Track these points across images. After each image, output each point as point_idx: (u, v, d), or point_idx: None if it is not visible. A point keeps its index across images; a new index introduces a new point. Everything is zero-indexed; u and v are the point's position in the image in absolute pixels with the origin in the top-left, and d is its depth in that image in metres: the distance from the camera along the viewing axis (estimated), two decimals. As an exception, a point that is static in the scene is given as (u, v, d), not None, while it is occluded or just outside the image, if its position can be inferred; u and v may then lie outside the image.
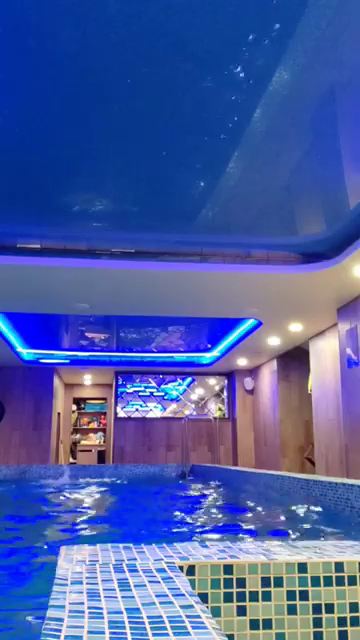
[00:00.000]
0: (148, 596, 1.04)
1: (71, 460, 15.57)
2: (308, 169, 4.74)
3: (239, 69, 3.48)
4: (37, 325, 9.86)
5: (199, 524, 4.90)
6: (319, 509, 5.05)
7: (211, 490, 8.23)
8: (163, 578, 1.18)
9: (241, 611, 1.31)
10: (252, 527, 4.73)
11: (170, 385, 14.33)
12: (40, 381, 12.96)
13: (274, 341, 10.16)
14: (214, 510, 6.07)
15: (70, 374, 14.50)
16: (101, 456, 15.58)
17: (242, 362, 12.41)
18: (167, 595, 1.05)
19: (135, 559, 1.38)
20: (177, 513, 5.72)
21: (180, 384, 14.40)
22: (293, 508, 5.46)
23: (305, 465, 10.82)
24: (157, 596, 1.04)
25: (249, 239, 6.20)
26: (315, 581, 1.34)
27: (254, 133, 4.14)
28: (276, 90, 3.64)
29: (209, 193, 5.09)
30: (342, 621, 1.34)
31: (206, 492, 8.01)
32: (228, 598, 1.32)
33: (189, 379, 14.41)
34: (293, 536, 4.12)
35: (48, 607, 0.98)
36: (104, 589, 1.10)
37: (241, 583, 1.33)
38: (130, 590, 1.09)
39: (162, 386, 14.26)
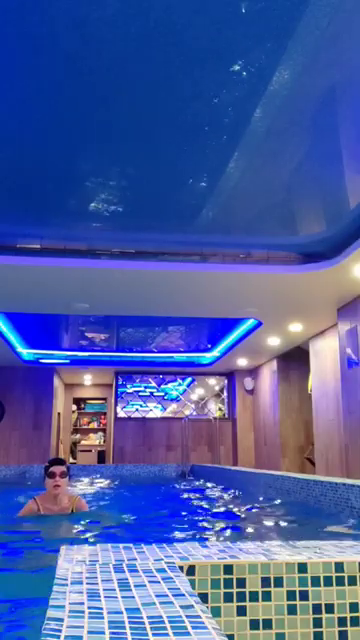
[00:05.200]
0: (148, 596, 1.04)
1: (71, 460, 15.57)
2: (308, 169, 4.74)
3: (239, 69, 3.48)
4: (37, 325, 9.86)
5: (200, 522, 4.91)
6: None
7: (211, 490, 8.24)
8: (163, 578, 1.18)
9: (241, 611, 1.31)
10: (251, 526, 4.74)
11: (170, 385, 14.33)
12: (40, 381, 12.96)
13: (274, 341, 10.16)
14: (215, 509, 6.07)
15: (70, 374, 14.50)
16: (101, 456, 15.58)
17: (242, 362, 12.41)
18: (167, 595, 1.05)
19: (135, 559, 1.38)
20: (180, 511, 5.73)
21: (180, 384, 14.40)
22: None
23: (305, 465, 10.82)
24: (157, 596, 1.04)
25: (249, 239, 6.19)
26: (315, 581, 1.34)
27: (254, 133, 4.14)
28: (276, 90, 3.64)
29: (209, 193, 5.09)
30: (342, 621, 1.33)
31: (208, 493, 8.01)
32: (228, 598, 1.32)
33: (189, 379, 14.41)
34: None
35: (48, 607, 0.98)
36: (104, 589, 1.10)
37: (241, 583, 1.33)
38: (130, 590, 1.09)
39: (162, 386, 14.26)
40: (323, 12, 3.06)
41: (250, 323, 9.30)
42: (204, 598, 1.29)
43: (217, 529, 4.59)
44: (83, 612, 0.95)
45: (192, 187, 5.01)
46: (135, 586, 1.12)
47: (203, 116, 3.99)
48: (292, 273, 6.49)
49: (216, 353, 11.99)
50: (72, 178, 4.85)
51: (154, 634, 0.84)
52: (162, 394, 14.24)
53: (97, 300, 7.61)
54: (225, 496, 7.34)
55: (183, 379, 14.37)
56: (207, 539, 4.01)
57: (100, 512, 5.71)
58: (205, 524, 4.89)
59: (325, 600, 1.34)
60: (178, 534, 4.24)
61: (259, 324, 9.05)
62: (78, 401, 16.69)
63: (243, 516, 5.41)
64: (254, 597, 1.32)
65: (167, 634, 0.84)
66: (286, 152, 4.48)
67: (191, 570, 1.32)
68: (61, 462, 4.81)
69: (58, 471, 4.62)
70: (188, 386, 14.46)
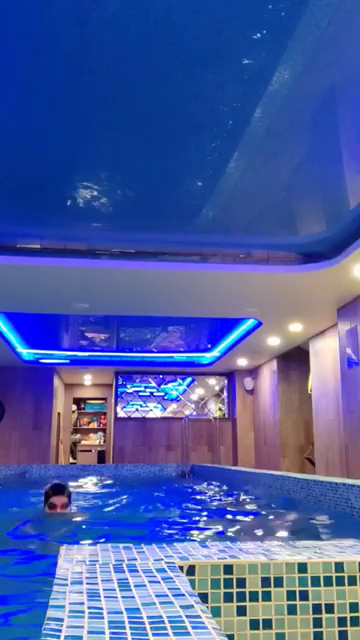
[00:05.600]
0: (148, 596, 1.04)
1: (71, 460, 15.57)
2: (308, 169, 4.74)
3: (239, 69, 3.48)
4: (37, 325, 9.86)
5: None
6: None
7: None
8: (163, 578, 1.18)
9: (241, 611, 1.31)
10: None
11: (170, 385, 14.32)
12: (40, 381, 12.96)
13: (274, 341, 10.16)
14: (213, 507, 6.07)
15: (70, 374, 14.50)
16: (101, 456, 15.58)
17: (242, 362, 12.41)
18: (167, 595, 1.05)
19: (135, 559, 1.38)
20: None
21: (180, 384, 14.39)
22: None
23: (305, 465, 10.82)
24: (157, 596, 1.04)
25: (249, 239, 6.19)
26: (315, 581, 1.34)
27: (254, 133, 4.14)
28: (276, 90, 3.64)
29: (209, 193, 5.09)
30: (342, 621, 1.34)
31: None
32: (228, 598, 1.32)
33: (189, 379, 14.40)
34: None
35: (48, 607, 0.98)
36: (104, 589, 1.10)
37: (241, 583, 1.33)
38: (130, 590, 1.09)
39: (162, 386, 14.25)
40: (323, 12, 3.06)
41: (250, 323, 9.30)
42: (204, 598, 1.29)
43: (217, 529, 4.59)
44: (83, 612, 0.95)
45: (192, 187, 5.01)
46: (135, 586, 1.12)
47: (203, 116, 3.99)
48: (292, 273, 6.49)
49: (216, 353, 11.99)
50: (72, 178, 4.85)
51: (154, 634, 0.84)
52: (162, 394, 14.24)
53: (97, 300, 7.61)
54: (225, 496, 7.34)
55: (183, 379, 14.37)
56: (207, 539, 4.01)
57: (100, 512, 5.71)
58: (205, 524, 4.89)
59: (325, 600, 1.34)
60: (178, 534, 4.24)
61: (259, 324, 9.06)
62: (78, 401, 16.69)
63: (243, 516, 5.41)
64: (254, 597, 1.32)
65: (167, 634, 0.84)
66: (286, 152, 4.48)
67: (191, 570, 1.32)
68: (62, 490, 4.23)
69: (59, 503, 4.11)
70: (188, 386, 14.46)
